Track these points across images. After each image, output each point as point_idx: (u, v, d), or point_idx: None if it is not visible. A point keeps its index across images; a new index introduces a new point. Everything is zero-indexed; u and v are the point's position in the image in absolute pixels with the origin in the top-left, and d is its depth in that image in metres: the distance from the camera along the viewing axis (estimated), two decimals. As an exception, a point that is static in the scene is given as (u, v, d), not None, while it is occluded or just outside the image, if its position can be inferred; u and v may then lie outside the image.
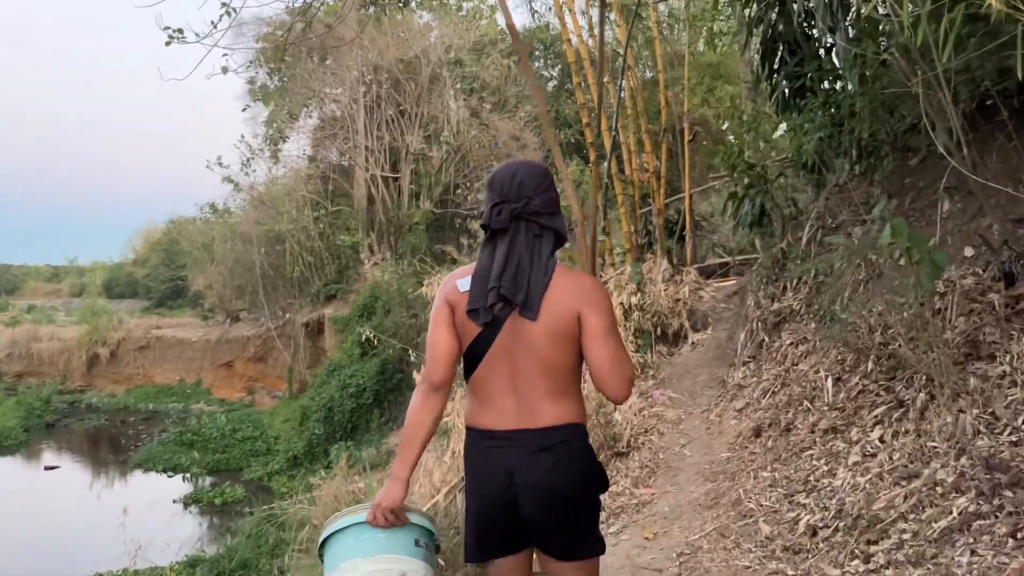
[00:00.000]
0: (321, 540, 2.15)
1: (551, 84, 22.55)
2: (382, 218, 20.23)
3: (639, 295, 8.31)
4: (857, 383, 4.49)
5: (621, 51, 8.84)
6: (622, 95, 9.22)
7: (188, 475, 17.22)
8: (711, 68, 11.41)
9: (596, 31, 10.28)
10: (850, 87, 5.37)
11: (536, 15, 11.51)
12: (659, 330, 7.95)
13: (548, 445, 2.04)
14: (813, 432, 4.43)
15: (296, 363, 20.34)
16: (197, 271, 23.65)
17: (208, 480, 17.18)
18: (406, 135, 20.46)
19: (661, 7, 11.14)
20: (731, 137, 9.19)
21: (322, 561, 2.15)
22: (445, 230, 20.79)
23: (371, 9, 23.65)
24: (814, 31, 6.47)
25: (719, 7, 7.46)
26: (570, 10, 9.83)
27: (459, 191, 19.97)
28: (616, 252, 10.33)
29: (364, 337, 17.32)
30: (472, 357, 2.10)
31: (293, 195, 19.84)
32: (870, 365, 4.52)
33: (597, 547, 2.16)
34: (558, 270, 2.08)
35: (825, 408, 4.55)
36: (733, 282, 9.11)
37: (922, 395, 3.96)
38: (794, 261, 6.37)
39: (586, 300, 2.05)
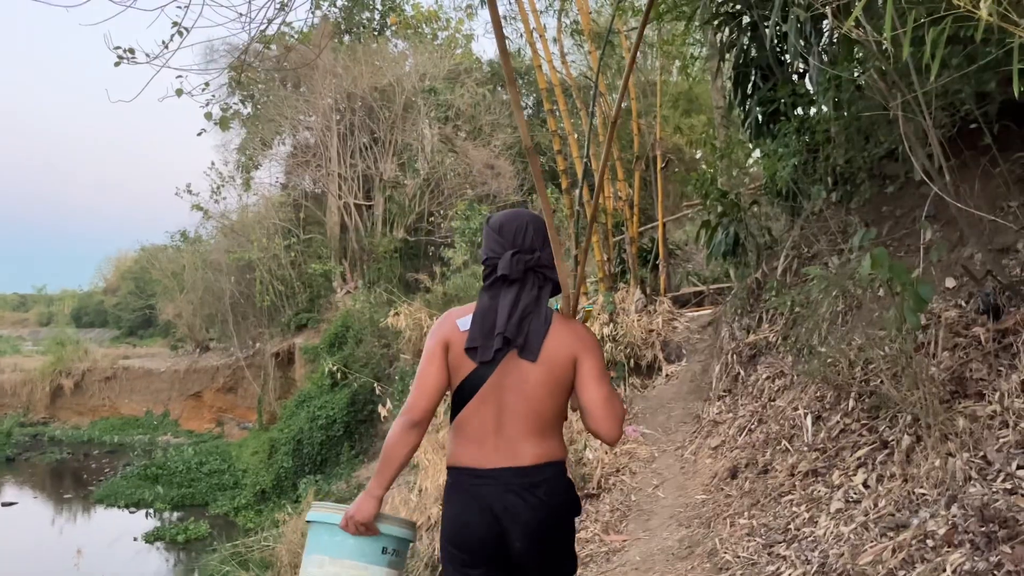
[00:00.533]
0: (307, 519, 2.29)
1: (525, 113, 22.46)
2: (355, 246, 19.92)
3: (612, 325, 8.05)
4: (838, 422, 4.22)
5: (592, 78, 8.66)
6: (594, 122, 9.02)
7: (152, 511, 16.59)
8: (683, 95, 11.25)
9: (568, 59, 10.11)
10: (824, 111, 5.16)
11: (507, 41, 11.44)
12: (632, 362, 7.68)
13: (533, 483, 2.09)
14: (792, 475, 4.14)
15: (266, 394, 19.84)
16: (166, 300, 23.11)
17: (174, 515, 16.60)
18: (380, 163, 20.22)
19: (634, 34, 11.00)
20: (704, 165, 8.98)
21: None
22: (419, 258, 20.50)
23: (346, 38, 23.52)
24: (787, 56, 6.29)
25: (690, 31, 7.28)
26: (541, 36, 9.66)
27: (432, 219, 19.70)
28: (589, 281, 10.08)
29: (334, 367, 16.98)
30: (462, 394, 2.14)
31: (264, 223, 19.46)
32: (851, 403, 4.26)
33: (575, 567, 2.25)
34: (555, 317, 2.16)
35: (805, 448, 4.27)
36: (708, 311, 8.87)
37: (907, 436, 3.69)
38: (769, 292, 6.13)
39: (581, 345, 2.14)
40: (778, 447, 4.56)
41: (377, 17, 24.32)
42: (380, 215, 20.18)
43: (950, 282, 4.58)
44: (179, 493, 17.04)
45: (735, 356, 6.11)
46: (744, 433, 5.12)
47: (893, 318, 4.19)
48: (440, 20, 23.85)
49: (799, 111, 6.12)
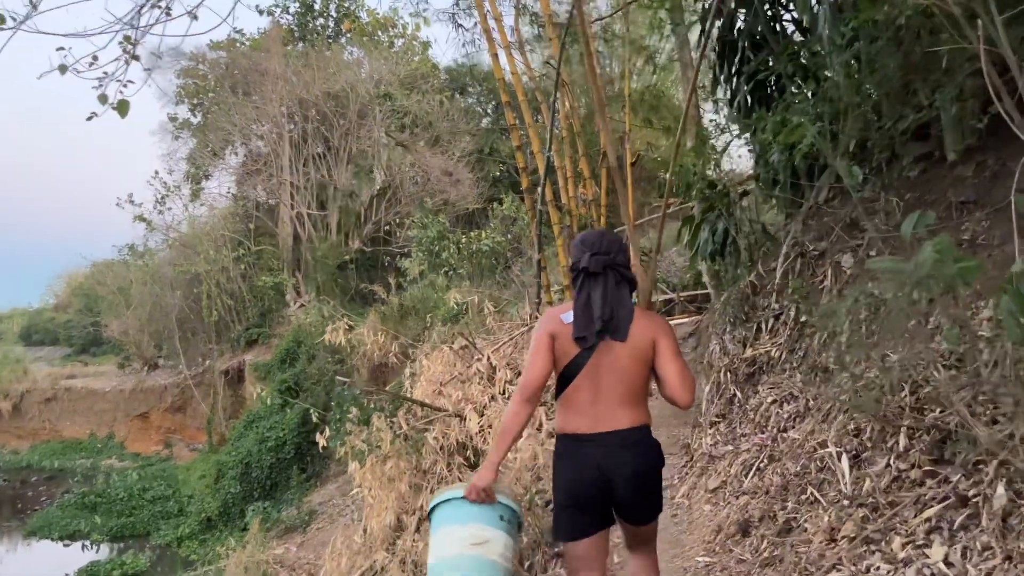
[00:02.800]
0: (431, 507, 2.59)
1: (485, 120, 21.34)
2: (308, 257, 18.56)
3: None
4: (888, 466, 3.11)
5: (555, 67, 7.54)
6: (556, 114, 7.92)
7: (88, 543, 15.01)
8: (649, 91, 10.19)
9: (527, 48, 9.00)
10: (839, 75, 4.08)
11: (461, 35, 10.10)
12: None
13: (630, 442, 2.47)
14: (833, 540, 3.01)
15: (215, 413, 18.33)
16: (112, 316, 21.46)
17: (115, 547, 15.06)
18: (334, 171, 18.92)
19: (597, 27, 9.93)
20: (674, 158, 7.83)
21: (429, 521, 2.60)
22: (376, 269, 19.23)
23: (299, 45, 22.20)
24: (781, 23, 5.24)
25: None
26: (498, 22, 8.55)
27: (388, 228, 18.45)
28: (554, 290, 8.94)
29: (285, 385, 15.60)
30: (567, 375, 2.51)
31: (212, 234, 18.01)
32: (902, 440, 3.15)
33: (661, 507, 2.65)
34: (636, 309, 2.54)
35: (844, 501, 3.15)
36: (686, 320, 7.80)
37: (1001, 490, 2.59)
38: (768, 297, 5.04)
39: (659, 330, 2.54)
40: (803, 496, 3.44)
41: (332, 24, 23.05)
42: (335, 225, 18.86)
43: (1011, 281, 3.52)
44: (119, 523, 15.48)
45: (729, 374, 5.00)
46: (752, 473, 3.99)
47: (951, 329, 3.12)
48: (396, 27, 22.65)
49: (794, 89, 5.07)
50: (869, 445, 3.29)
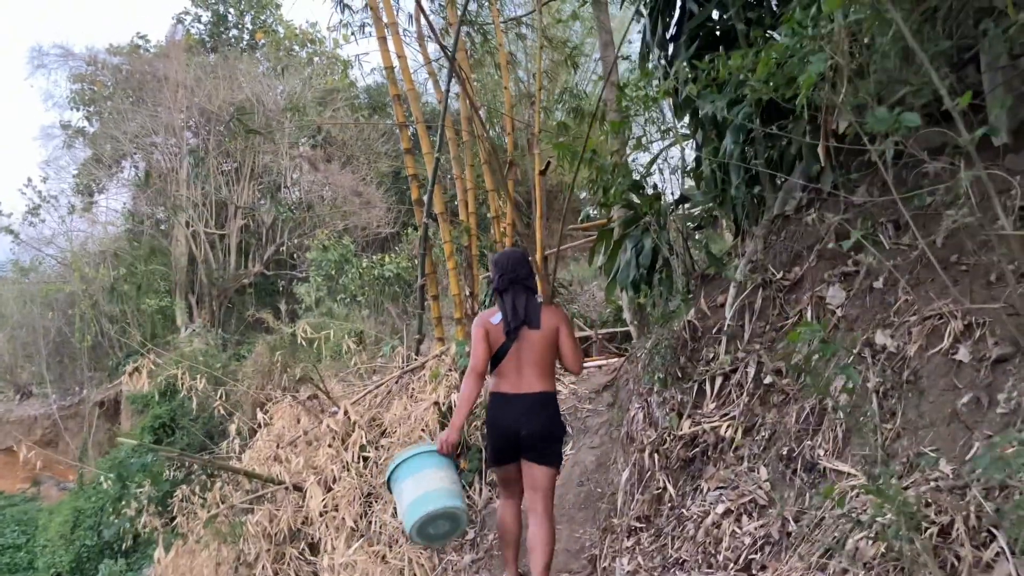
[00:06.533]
0: (397, 463, 3.17)
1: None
2: (204, 280, 16.28)
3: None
4: None
5: (450, 51, 5.81)
6: (449, 111, 6.18)
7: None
8: (567, 91, 8.61)
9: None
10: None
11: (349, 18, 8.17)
12: (493, 444, 4.73)
13: (540, 402, 3.20)
14: None
15: (88, 449, 15.73)
16: (-20, 338, 18.55)
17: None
18: (235, 188, 16.75)
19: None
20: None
21: (389, 484, 3.22)
22: (277, 294, 17.07)
23: (211, 57, 20.02)
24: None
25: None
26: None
27: (286, 250, 16.37)
28: (448, 320, 7.12)
29: (159, 422, 13.30)
30: (498, 356, 3.23)
31: (90, 251, 15.57)
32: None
33: (560, 462, 3.30)
34: (542, 305, 3.29)
35: None
36: (600, 363, 6.10)
37: None
38: (713, 344, 3.35)
39: (560, 320, 3.28)
40: None
41: (247, 37, 20.96)
42: (234, 246, 16.65)
43: None
44: (-47, 579, 12.77)
45: (657, 457, 3.27)
46: (697, 653, 2.24)
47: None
48: (315, 43, 20.68)
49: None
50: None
